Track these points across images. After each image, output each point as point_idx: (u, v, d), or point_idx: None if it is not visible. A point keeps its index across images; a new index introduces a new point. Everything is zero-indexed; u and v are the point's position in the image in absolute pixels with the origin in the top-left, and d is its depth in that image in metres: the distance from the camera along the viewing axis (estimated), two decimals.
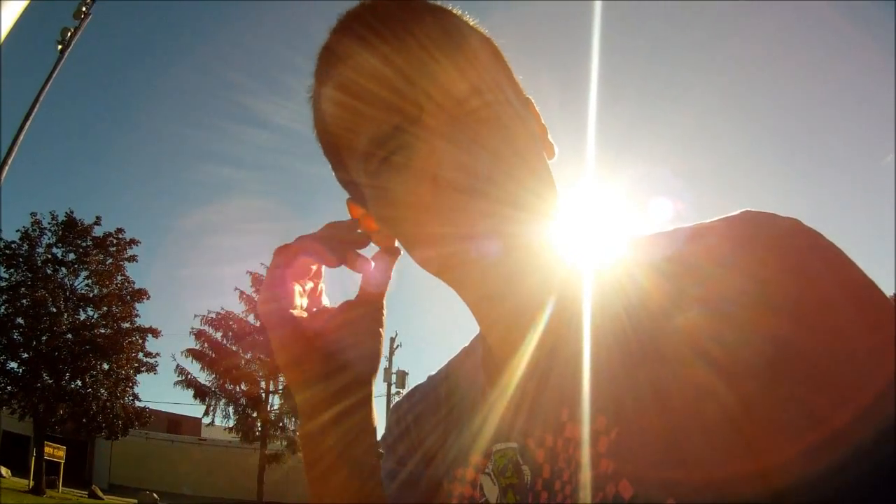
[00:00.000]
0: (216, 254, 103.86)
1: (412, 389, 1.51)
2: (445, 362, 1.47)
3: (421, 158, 1.02)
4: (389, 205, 1.08)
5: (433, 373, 1.48)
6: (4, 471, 40.08)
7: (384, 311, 1.21)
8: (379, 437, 1.22)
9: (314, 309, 1.20)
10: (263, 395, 43.44)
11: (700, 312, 0.93)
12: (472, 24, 1.16)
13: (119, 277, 40.56)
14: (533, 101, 1.22)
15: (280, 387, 42.98)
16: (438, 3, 1.13)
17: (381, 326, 1.20)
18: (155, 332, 40.88)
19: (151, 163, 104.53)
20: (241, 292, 44.63)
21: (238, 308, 44.93)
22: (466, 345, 1.42)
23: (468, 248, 1.03)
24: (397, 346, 51.21)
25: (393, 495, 1.32)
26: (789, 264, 0.88)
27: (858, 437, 0.76)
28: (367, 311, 1.19)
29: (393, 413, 1.47)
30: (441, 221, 1.03)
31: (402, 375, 49.21)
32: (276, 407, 43.22)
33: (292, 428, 42.06)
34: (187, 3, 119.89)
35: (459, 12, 1.15)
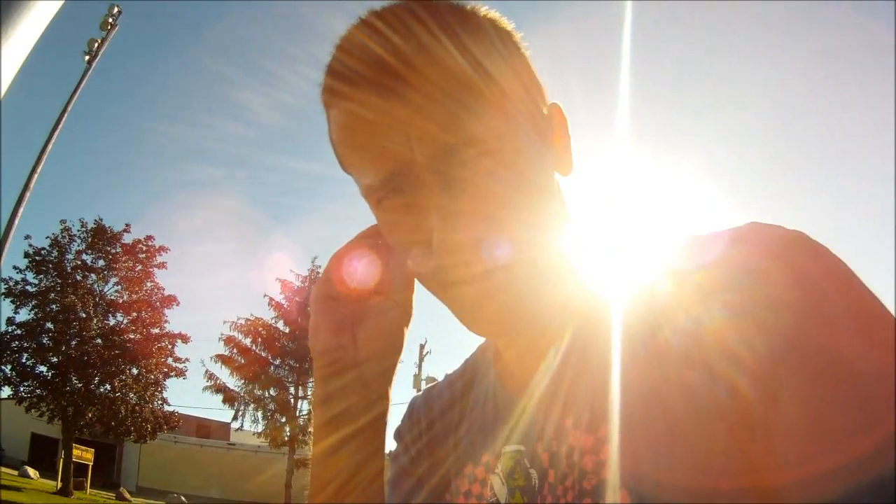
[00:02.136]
0: (248, 261, 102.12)
1: (429, 387, 1.46)
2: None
3: (412, 214, 1.02)
4: (387, 238, 1.11)
5: (450, 371, 1.45)
6: (32, 472, 39.79)
7: (411, 310, 1.21)
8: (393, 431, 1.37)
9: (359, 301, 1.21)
10: (292, 400, 41.94)
11: (702, 324, 0.91)
12: (496, 28, 1.08)
13: (149, 284, 39.27)
14: (560, 106, 1.15)
15: (309, 393, 41.26)
16: (452, 14, 1.04)
17: (405, 325, 1.20)
18: (184, 338, 39.61)
19: (179, 170, 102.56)
20: (271, 299, 43.27)
21: (268, 315, 43.42)
22: (483, 342, 1.37)
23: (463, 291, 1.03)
24: (427, 352, 49.61)
25: (403, 490, 1.34)
26: (794, 278, 0.85)
27: (856, 455, 0.76)
28: (393, 309, 1.19)
29: (409, 409, 1.44)
30: (432, 272, 1.04)
31: (432, 381, 45.79)
32: (304, 412, 41.58)
33: None
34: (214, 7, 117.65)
35: (483, 14, 1.07)
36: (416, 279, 1.17)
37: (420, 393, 1.47)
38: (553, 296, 1.07)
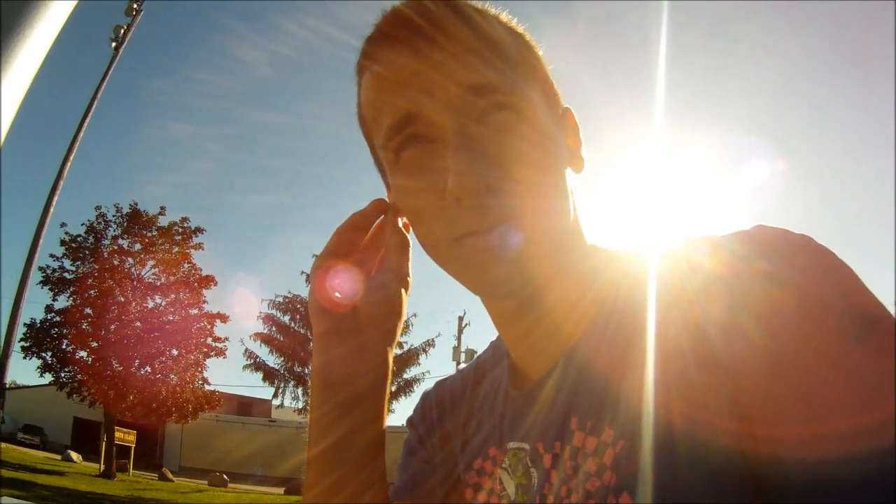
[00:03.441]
0: (285, 240, 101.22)
1: (441, 380, 1.48)
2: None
3: (429, 165, 1.03)
4: (402, 200, 1.10)
5: (463, 366, 1.51)
6: (76, 456, 39.91)
7: (408, 276, 1.19)
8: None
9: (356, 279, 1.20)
10: None
11: (707, 325, 0.91)
12: (514, 28, 1.13)
13: (186, 265, 38.10)
14: (572, 111, 1.19)
15: None
16: (482, 6, 1.11)
17: (404, 289, 1.18)
18: (223, 318, 38.40)
19: (211, 150, 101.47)
20: (308, 276, 41.61)
21: (305, 292, 41.92)
22: (494, 338, 1.38)
23: (471, 248, 1.02)
24: (466, 324, 48.98)
25: (412, 479, 1.35)
26: (798, 283, 0.86)
27: (854, 425, 0.77)
28: (389, 274, 1.18)
29: (421, 401, 1.46)
30: (444, 227, 1.03)
31: (471, 353, 46.41)
32: None
33: None
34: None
35: (504, 18, 1.13)
36: (423, 248, 1.13)
37: (432, 386, 1.48)
38: (564, 270, 1.08)
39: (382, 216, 1.22)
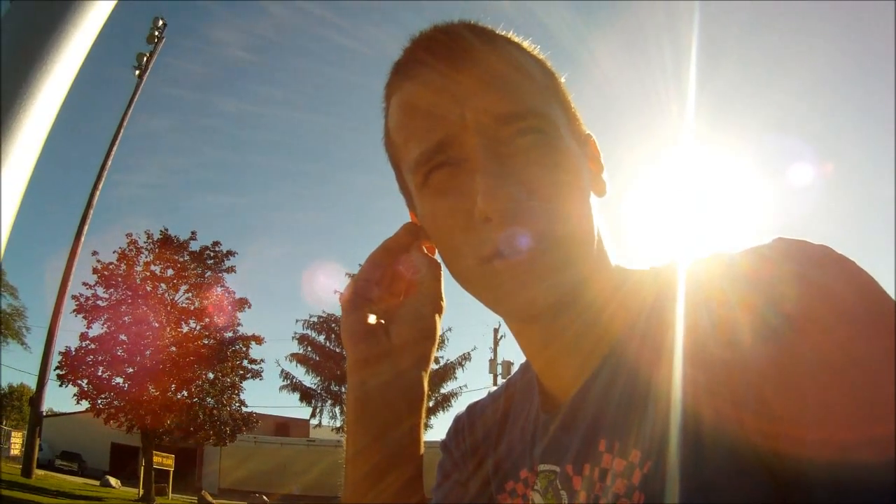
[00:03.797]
0: (317, 260, 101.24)
1: (472, 403, 1.48)
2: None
3: (458, 187, 1.03)
4: (430, 223, 1.10)
5: (493, 389, 1.48)
6: (114, 481, 39.88)
7: (441, 300, 1.17)
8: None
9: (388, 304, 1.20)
10: None
11: (737, 326, 0.91)
12: (537, 56, 1.15)
13: (219, 288, 37.91)
14: (593, 137, 1.21)
15: None
16: (507, 34, 1.13)
17: (437, 314, 1.16)
18: (258, 340, 38.22)
19: (240, 171, 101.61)
20: (341, 295, 42.39)
21: (339, 311, 42.61)
22: (524, 360, 1.34)
23: (494, 260, 1.01)
24: (502, 336, 48.36)
25: (446, 502, 1.35)
26: (818, 294, 0.86)
27: (871, 458, 0.77)
28: (422, 299, 1.16)
29: (454, 424, 1.46)
30: (472, 248, 1.03)
31: (508, 365, 46.33)
32: None
33: None
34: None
35: (528, 46, 1.15)
36: (448, 270, 1.14)
37: (464, 409, 1.48)
38: (591, 290, 1.08)
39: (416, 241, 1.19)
